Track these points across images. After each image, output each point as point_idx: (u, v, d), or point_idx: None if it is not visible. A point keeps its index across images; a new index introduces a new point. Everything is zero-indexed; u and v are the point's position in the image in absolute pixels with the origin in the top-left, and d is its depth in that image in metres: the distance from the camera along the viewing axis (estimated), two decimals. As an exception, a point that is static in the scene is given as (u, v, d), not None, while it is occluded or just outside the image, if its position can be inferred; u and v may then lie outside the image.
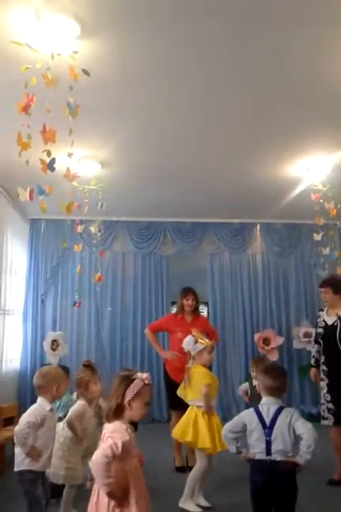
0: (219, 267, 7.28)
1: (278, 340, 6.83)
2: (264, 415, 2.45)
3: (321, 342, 4.16)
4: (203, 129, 4.26)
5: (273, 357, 6.76)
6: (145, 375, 2.17)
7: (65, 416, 3.40)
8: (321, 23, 2.80)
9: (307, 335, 6.66)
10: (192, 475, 3.42)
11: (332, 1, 2.62)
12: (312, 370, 4.27)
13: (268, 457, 2.39)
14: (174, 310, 5.18)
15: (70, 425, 3.10)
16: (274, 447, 2.39)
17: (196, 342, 3.61)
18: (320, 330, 4.17)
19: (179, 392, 3.74)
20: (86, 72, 2.82)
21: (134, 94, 3.61)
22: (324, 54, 3.13)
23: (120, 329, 6.95)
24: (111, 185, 5.20)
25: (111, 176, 5.21)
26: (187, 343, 3.67)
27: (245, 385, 4.84)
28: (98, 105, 3.72)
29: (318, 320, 4.26)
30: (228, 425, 2.56)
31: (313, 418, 4.55)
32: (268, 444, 2.40)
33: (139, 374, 2.17)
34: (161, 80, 3.43)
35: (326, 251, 5.66)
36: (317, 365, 4.22)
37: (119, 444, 1.97)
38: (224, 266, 7.29)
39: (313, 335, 4.69)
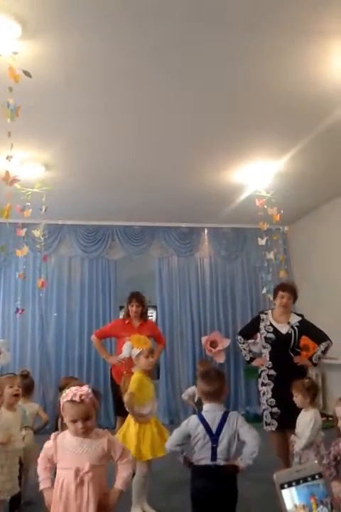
0: (167, 271, 7.29)
1: (224, 343, 6.94)
2: (210, 423, 2.45)
3: (269, 347, 4.08)
4: (148, 133, 4.24)
5: (220, 359, 6.87)
6: (69, 391, 2.03)
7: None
8: (266, 31, 2.86)
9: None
10: (134, 481, 3.41)
11: (277, 10, 2.67)
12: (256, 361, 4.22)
13: (213, 462, 2.40)
14: (122, 315, 5.15)
15: None
16: (219, 452, 2.41)
17: (133, 347, 3.57)
18: (271, 335, 4.08)
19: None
20: (27, 74, 2.73)
21: (78, 96, 3.53)
22: (268, 61, 3.19)
23: (66, 336, 6.77)
24: (56, 188, 5.06)
25: (56, 179, 5.07)
26: (125, 349, 3.63)
27: (191, 389, 4.85)
28: (41, 107, 3.60)
29: (262, 323, 4.15)
30: (172, 440, 2.52)
31: (258, 419, 4.64)
32: (214, 450, 2.41)
33: (67, 390, 2.05)
34: (105, 81, 3.37)
35: (270, 255, 5.84)
36: (251, 360, 4.20)
37: None
38: (172, 270, 7.31)
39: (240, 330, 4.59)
